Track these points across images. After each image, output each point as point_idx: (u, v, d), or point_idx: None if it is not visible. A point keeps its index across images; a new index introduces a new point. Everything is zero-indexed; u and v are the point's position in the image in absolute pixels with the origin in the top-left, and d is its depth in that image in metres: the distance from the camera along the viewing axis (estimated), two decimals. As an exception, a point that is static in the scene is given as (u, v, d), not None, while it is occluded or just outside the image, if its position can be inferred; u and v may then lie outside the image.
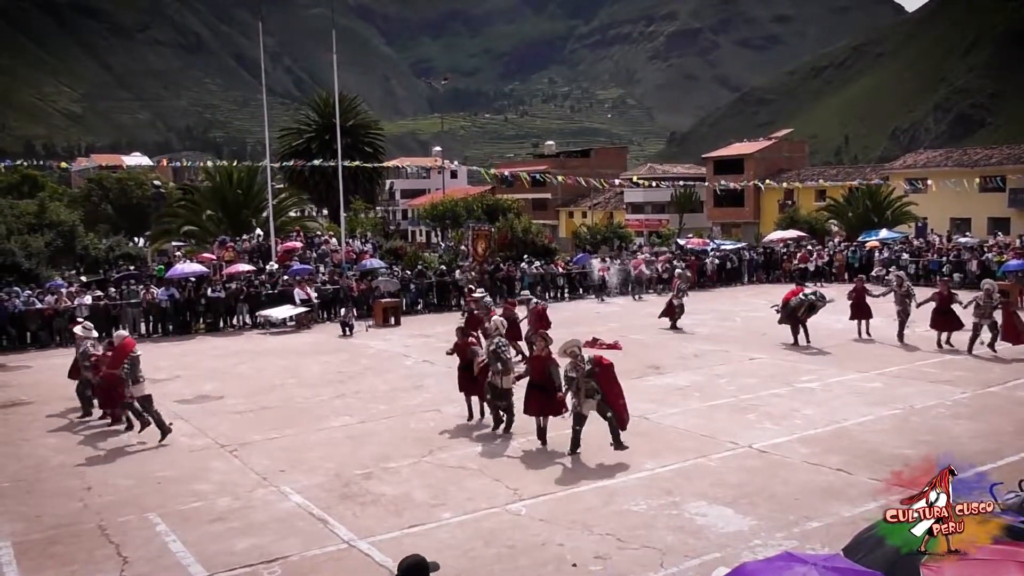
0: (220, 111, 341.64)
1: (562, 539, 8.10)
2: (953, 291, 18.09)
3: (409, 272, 28.95)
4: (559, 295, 30.73)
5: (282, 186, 44.84)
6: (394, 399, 14.57)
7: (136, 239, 50.20)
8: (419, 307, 27.83)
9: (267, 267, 28.11)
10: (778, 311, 19.09)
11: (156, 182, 61.56)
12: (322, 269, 29.10)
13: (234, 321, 25.32)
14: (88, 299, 23.71)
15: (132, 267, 33.51)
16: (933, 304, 17.60)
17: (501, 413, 11.95)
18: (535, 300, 19.06)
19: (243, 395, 15.11)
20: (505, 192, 67.57)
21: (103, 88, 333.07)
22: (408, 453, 11.20)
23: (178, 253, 34.65)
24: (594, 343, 19.54)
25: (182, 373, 17.74)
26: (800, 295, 18.44)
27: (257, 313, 24.73)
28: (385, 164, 55.01)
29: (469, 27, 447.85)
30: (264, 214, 33.76)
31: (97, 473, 10.87)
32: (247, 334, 23.83)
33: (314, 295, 25.30)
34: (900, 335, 18.30)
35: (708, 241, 40.23)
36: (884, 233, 35.24)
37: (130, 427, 12.75)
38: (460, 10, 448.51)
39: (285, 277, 26.72)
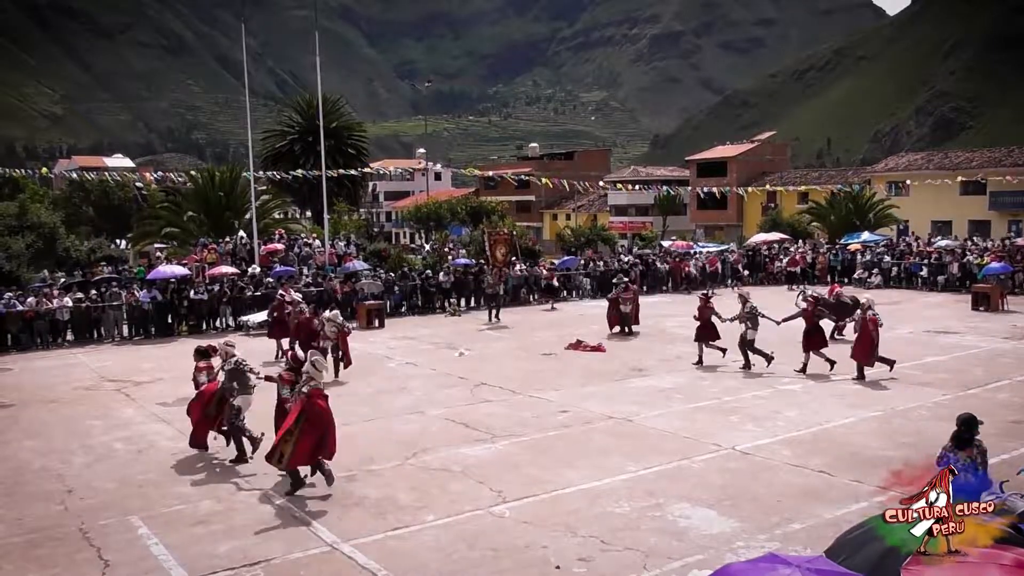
0: (202, 112, 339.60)
1: (546, 541, 8.11)
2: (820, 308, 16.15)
3: (393, 274, 28.89)
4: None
5: (265, 188, 44.65)
6: (377, 402, 14.53)
7: (118, 241, 49.83)
8: (403, 309, 27.79)
9: (250, 269, 27.97)
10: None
11: (138, 184, 61.09)
12: (305, 271, 28.98)
13: (217, 323, 25.19)
14: (69, 301, 23.53)
15: (109, 268, 33.21)
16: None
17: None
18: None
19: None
20: (489, 194, 67.64)
21: (84, 89, 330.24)
22: (391, 455, 11.18)
23: (160, 255, 34.41)
24: (578, 345, 19.62)
25: (164, 375, 17.61)
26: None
27: (239, 318, 24.61)
28: (369, 169, 54.85)
29: (452, 29, 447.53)
30: (247, 216, 33.60)
31: (78, 476, 10.78)
32: (231, 335, 23.69)
33: (298, 297, 25.16)
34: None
35: (691, 244, 40.41)
36: (866, 236, 35.50)
37: None
38: (443, 12, 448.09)
39: (268, 279, 26.59)
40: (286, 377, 10.84)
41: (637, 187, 50.94)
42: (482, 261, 29.80)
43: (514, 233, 31.25)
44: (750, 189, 47.18)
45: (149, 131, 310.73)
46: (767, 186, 50.72)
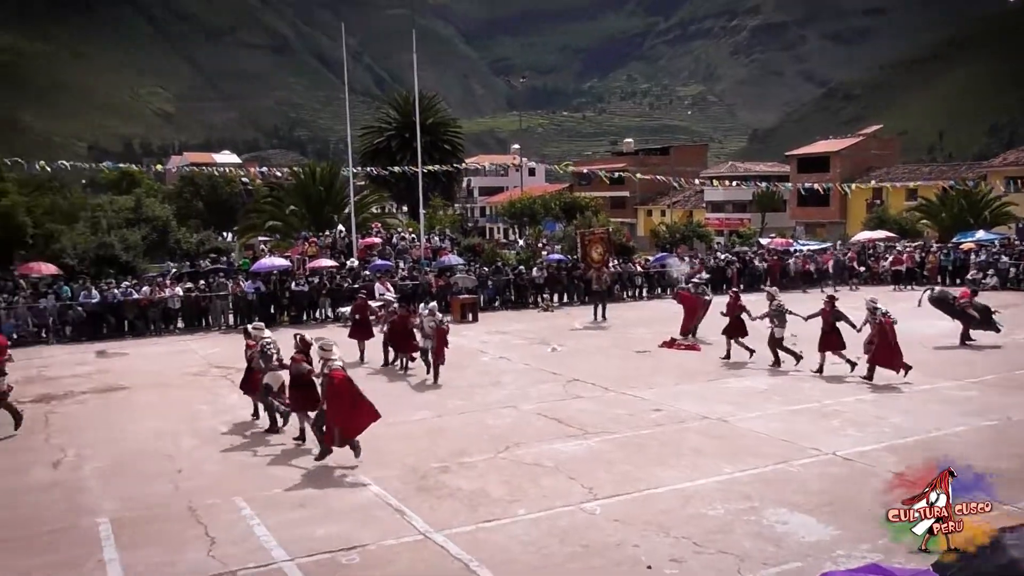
0: (304, 110, 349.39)
1: (637, 540, 8.03)
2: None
3: (487, 269, 29.13)
4: (637, 294, 30.52)
5: (363, 183, 45.66)
6: (471, 395, 14.68)
7: (225, 234, 51.83)
8: (496, 304, 27.99)
9: (348, 262, 28.67)
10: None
11: (244, 179, 63.45)
12: (401, 265, 29.52)
13: (316, 314, 25.93)
14: (179, 291, 24.64)
15: (222, 260, 34.56)
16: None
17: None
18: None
19: (325, 387, 15.40)
20: (583, 190, 67.39)
21: (195, 89, 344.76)
22: (484, 448, 11.28)
23: (263, 247, 35.63)
24: (672, 343, 19.36)
25: (266, 364, 18.22)
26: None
27: (337, 309, 25.27)
28: (464, 165, 55.45)
29: (548, 25, 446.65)
30: (346, 210, 34.45)
31: (187, 457, 11.29)
32: (329, 327, 24.33)
33: (390, 295, 25.66)
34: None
35: (791, 241, 39.35)
36: (981, 234, 33.82)
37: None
38: (539, 8, 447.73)
39: (366, 272, 27.21)
40: (297, 358, 11.59)
41: (734, 183, 49.88)
42: (574, 257, 29.71)
43: (610, 231, 30.65)
44: (854, 185, 45.50)
45: (255, 128, 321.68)
46: (873, 182, 48.94)
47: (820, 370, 15.46)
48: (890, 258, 32.47)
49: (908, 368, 14.64)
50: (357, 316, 18.65)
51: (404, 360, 17.07)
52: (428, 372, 15.84)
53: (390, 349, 17.44)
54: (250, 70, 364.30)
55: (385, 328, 17.49)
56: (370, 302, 19.49)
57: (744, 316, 16.96)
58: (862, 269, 32.96)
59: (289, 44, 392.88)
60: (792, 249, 35.49)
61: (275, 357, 12.10)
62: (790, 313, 16.06)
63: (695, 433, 11.85)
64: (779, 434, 11.65)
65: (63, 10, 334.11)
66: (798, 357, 15.97)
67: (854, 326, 15.15)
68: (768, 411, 13.04)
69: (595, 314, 24.43)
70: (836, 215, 57.11)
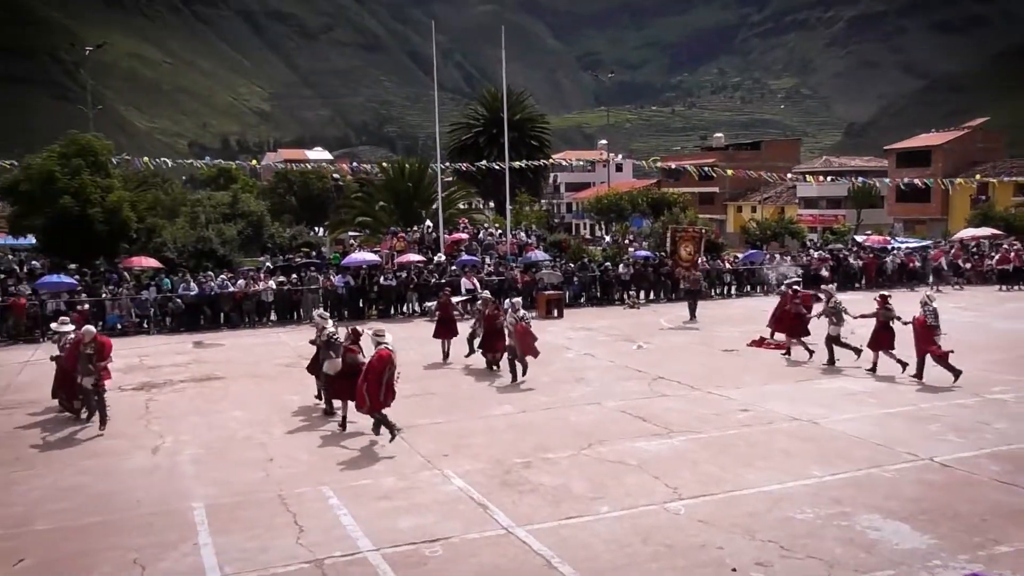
0: (394, 107, 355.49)
1: (722, 542, 7.89)
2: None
3: (572, 265, 29.05)
4: (726, 292, 29.96)
5: (451, 179, 46.14)
6: (555, 391, 14.67)
7: (316, 228, 53.11)
8: (582, 300, 27.89)
9: (435, 257, 29.03)
10: None
11: (335, 175, 64.97)
12: (487, 260, 29.72)
13: (404, 308, 26.34)
14: (273, 284, 25.40)
15: (313, 254, 35.42)
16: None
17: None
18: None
19: (411, 380, 15.54)
20: (671, 185, 66.51)
21: (290, 87, 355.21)
22: (567, 445, 11.25)
23: (353, 242, 36.38)
24: (761, 342, 18.93)
25: (355, 357, 18.63)
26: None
27: (424, 304, 25.60)
28: (551, 160, 55.46)
29: (636, 19, 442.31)
30: (433, 206, 34.87)
31: (278, 446, 11.63)
32: (416, 321, 24.71)
33: (478, 286, 25.85)
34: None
35: (889, 238, 37.97)
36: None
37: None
38: (628, 3, 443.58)
39: (453, 267, 27.50)
40: (352, 350, 12.31)
41: (829, 178, 48.38)
42: (661, 253, 29.32)
43: (704, 231, 29.91)
44: (957, 180, 43.55)
45: (346, 125, 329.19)
46: (978, 177, 46.69)
47: (874, 368, 15.48)
48: (996, 256, 30.99)
49: (904, 366, 14.87)
50: (440, 314, 18.30)
51: (494, 359, 16.45)
52: (512, 372, 15.51)
53: (475, 342, 17.21)
54: (343, 68, 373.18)
55: (479, 327, 16.89)
56: (453, 298, 19.57)
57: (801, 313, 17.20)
58: (968, 266, 31.54)
59: (381, 42, 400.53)
60: (890, 247, 34.24)
61: (338, 348, 12.60)
62: (845, 313, 16.07)
63: (784, 435, 11.56)
64: (873, 438, 11.26)
65: (167, 15, 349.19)
66: (857, 351, 16.06)
67: (903, 321, 15.00)
68: (861, 414, 12.61)
69: (691, 313, 23.54)
70: (937, 211, 54.80)
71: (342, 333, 12.89)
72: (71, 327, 14.32)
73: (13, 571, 7.71)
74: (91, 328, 13.41)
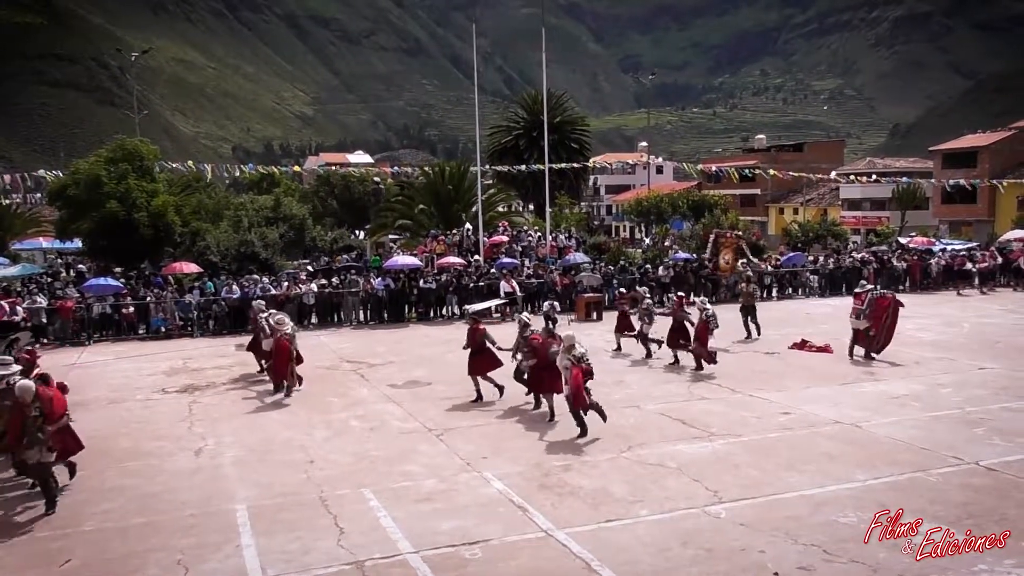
0: (435, 110, 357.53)
1: (763, 546, 7.82)
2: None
3: (612, 267, 28.95)
4: (767, 294, 29.61)
5: (491, 182, 46.25)
6: (595, 393, 14.56)
7: (357, 232, 53.58)
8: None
9: (475, 260, 29.12)
10: None
11: (376, 178, 65.46)
12: (527, 263, 29.73)
13: (443, 311, 26.46)
14: (314, 287, 25.68)
15: (354, 257, 35.71)
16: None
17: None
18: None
19: (451, 382, 15.64)
20: (712, 188, 65.95)
21: (332, 91, 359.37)
22: (607, 448, 11.23)
23: (393, 245, 36.64)
24: (803, 345, 18.71)
25: (395, 359, 18.81)
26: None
27: (464, 306, 25.69)
28: (591, 163, 55.37)
29: (678, 21, 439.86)
30: (473, 209, 34.98)
31: (319, 448, 11.76)
32: (456, 324, 24.80)
33: (518, 288, 25.89)
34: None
35: (934, 240, 37.25)
36: None
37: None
38: (669, 5, 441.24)
39: (492, 270, 27.56)
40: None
41: (873, 178, 47.60)
42: (702, 256, 29.07)
43: (741, 236, 29.38)
44: (1005, 181, 42.56)
45: (387, 129, 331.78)
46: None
47: (676, 361, 17.17)
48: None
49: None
50: (468, 343, 14.33)
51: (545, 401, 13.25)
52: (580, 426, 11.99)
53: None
54: (384, 72, 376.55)
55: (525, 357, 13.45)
56: (490, 301, 19.52)
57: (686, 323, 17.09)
58: None
59: (422, 46, 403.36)
60: (935, 248, 33.58)
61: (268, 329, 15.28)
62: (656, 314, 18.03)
63: (826, 438, 11.41)
64: (917, 441, 11.07)
65: (211, 20, 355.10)
66: (658, 343, 17.83)
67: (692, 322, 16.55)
68: (905, 417, 12.40)
69: (748, 330, 20.65)
70: (984, 213, 53.61)
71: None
72: (15, 368, 10.95)
73: (60, 571, 7.90)
74: (28, 384, 9.58)
